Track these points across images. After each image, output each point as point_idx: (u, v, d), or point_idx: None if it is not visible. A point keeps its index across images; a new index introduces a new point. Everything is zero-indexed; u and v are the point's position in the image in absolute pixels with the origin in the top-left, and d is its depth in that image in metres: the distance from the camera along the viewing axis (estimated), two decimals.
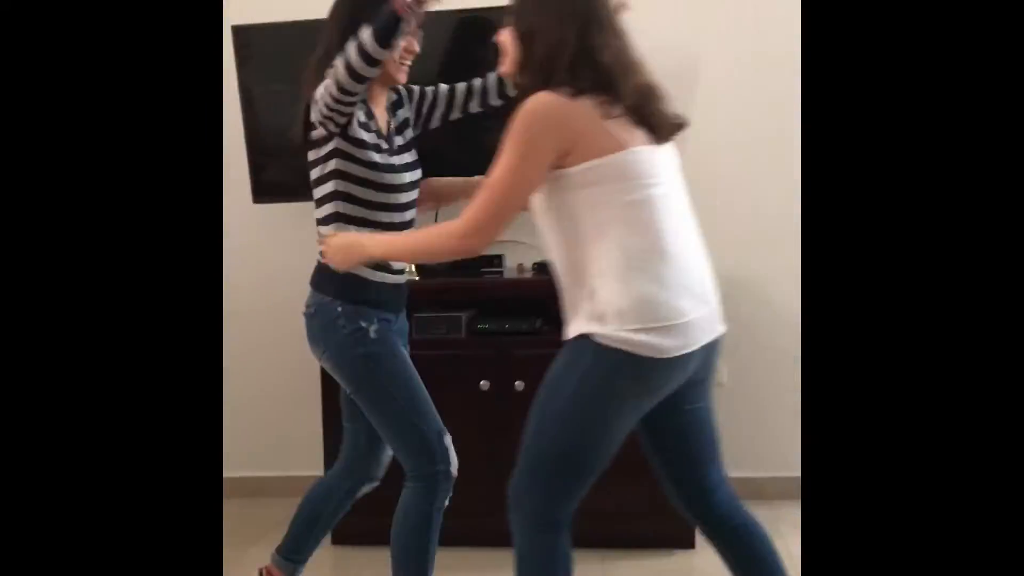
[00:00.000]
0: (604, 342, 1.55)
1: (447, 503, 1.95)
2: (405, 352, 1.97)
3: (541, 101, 1.55)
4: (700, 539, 2.59)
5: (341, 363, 1.90)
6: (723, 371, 2.95)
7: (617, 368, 1.56)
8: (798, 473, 2.92)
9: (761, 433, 2.96)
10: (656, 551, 2.53)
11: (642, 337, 1.54)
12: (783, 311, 2.91)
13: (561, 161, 1.56)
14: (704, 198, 2.91)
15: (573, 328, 1.62)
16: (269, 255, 3.08)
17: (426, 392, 1.93)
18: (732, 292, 2.91)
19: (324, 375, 2.66)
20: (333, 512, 2.18)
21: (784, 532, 2.69)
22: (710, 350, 1.67)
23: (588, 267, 1.59)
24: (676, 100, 2.84)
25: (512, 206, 1.58)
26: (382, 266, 1.89)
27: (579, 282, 1.61)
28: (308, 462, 3.01)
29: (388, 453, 2.07)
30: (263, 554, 2.65)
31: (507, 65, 1.69)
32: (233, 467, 3.17)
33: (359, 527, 2.64)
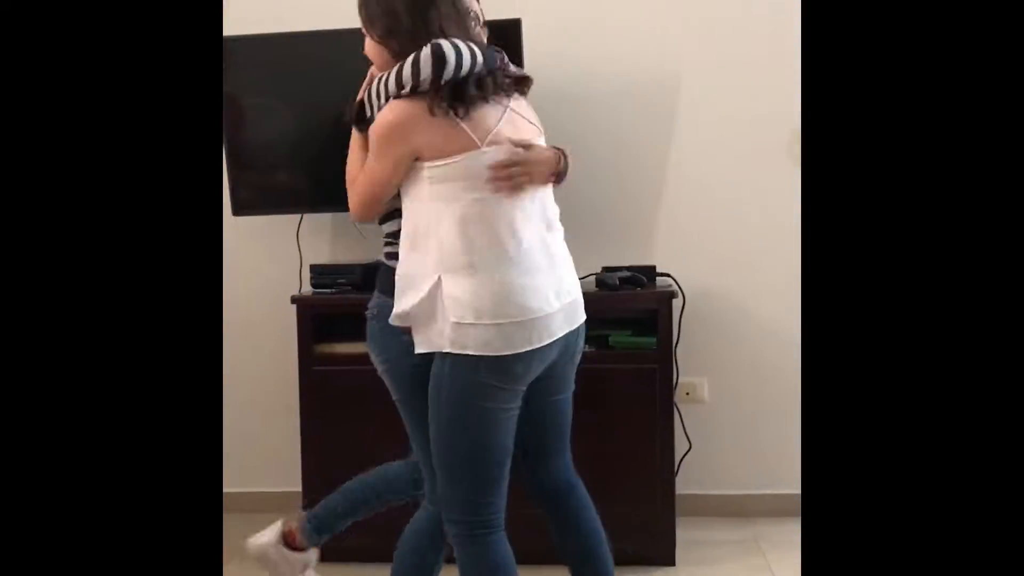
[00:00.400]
0: (456, 350, 1.66)
1: None
2: None
3: (394, 111, 1.68)
4: (680, 557, 2.58)
5: (394, 369, 1.85)
6: (704, 388, 2.95)
7: (475, 368, 1.66)
8: (778, 491, 2.93)
9: (742, 451, 2.96)
10: (636, 569, 2.52)
11: (491, 333, 1.64)
12: (765, 328, 2.92)
13: (419, 156, 1.69)
14: (685, 213, 2.95)
15: (417, 325, 1.71)
16: (247, 268, 3.05)
17: None
18: (714, 307, 2.93)
19: (302, 389, 2.64)
20: (383, 503, 2.15)
21: (765, 549, 2.69)
22: (570, 344, 1.79)
23: (433, 260, 1.68)
24: (657, 111, 2.89)
25: (379, 196, 1.76)
26: None
27: (424, 278, 1.69)
28: (285, 478, 2.98)
29: None
30: (242, 570, 2.62)
31: (377, 70, 1.83)
32: None
33: (343, 544, 2.61)
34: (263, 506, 3.09)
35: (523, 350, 1.67)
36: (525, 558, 2.46)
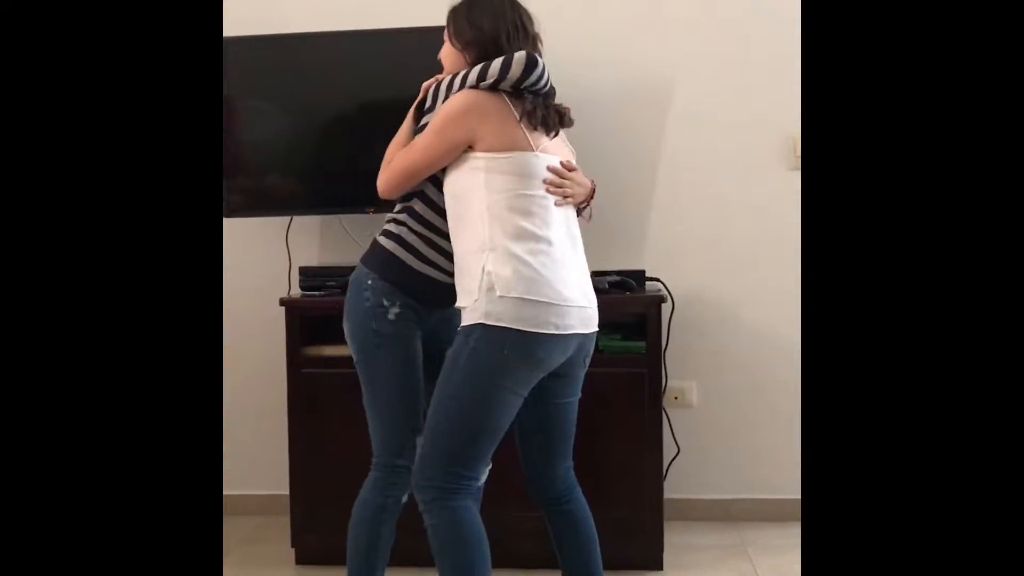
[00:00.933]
0: (490, 321, 1.76)
1: (405, 500, 2.00)
2: (420, 346, 2.01)
3: (470, 97, 1.84)
4: (668, 560, 2.58)
5: (354, 332, 1.98)
6: (693, 392, 2.96)
7: (502, 343, 1.76)
8: (766, 495, 2.94)
9: (730, 455, 2.96)
10: (623, 572, 2.52)
11: (526, 310, 1.75)
12: (755, 333, 2.92)
13: (473, 144, 1.83)
14: (676, 218, 2.96)
15: (463, 300, 1.84)
16: (236, 270, 3.04)
17: (420, 390, 1.99)
18: (704, 312, 2.94)
19: (290, 391, 2.63)
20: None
21: (752, 554, 2.69)
22: (585, 343, 1.90)
23: (480, 242, 1.80)
24: (649, 115, 2.90)
25: (419, 172, 1.90)
26: (429, 261, 1.96)
27: (472, 256, 1.82)
28: (273, 481, 2.97)
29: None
30: (230, 574, 2.61)
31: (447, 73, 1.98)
32: None
33: (323, 546, 2.61)
34: (251, 509, 3.09)
35: (549, 332, 1.77)
36: (526, 563, 2.48)
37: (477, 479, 1.85)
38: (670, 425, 2.86)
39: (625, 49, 2.91)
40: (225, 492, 3.06)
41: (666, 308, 2.70)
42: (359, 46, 2.71)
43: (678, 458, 2.90)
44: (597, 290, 2.56)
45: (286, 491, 2.65)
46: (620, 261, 2.85)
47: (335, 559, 2.53)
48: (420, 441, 1.95)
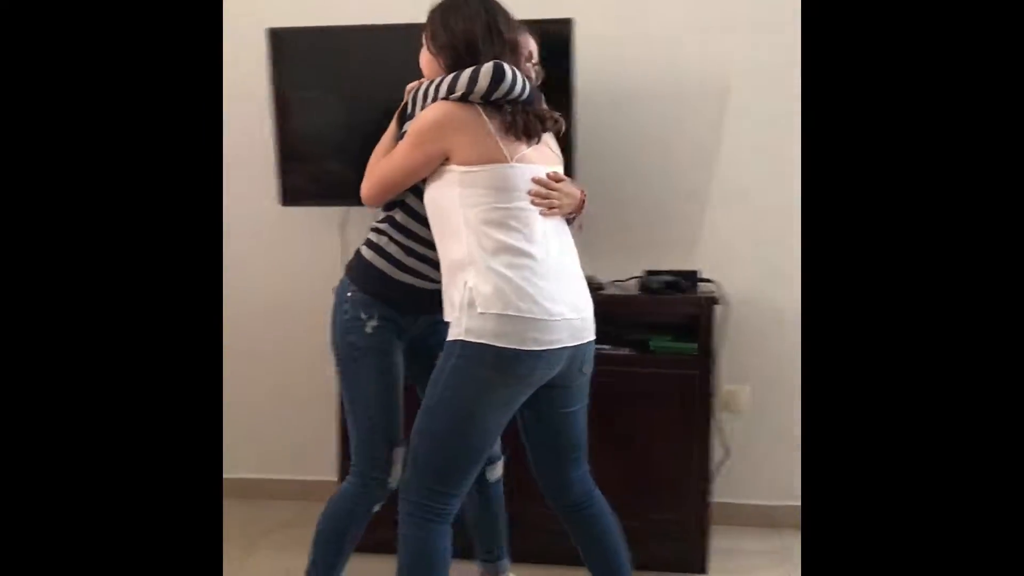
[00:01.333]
0: (470, 338, 1.73)
1: (377, 508, 2.04)
2: (400, 357, 2.03)
3: (440, 110, 1.80)
4: (712, 565, 2.56)
5: (335, 343, 2.02)
6: (744, 396, 2.93)
7: (482, 359, 1.72)
8: None
9: (779, 461, 2.92)
10: (667, 575, 2.50)
11: (506, 326, 1.71)
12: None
13: (449, 157, 1.80)
14: (731, 218, 2.92)
15: (448, 313, 1.81)
16: (291, 258, 3.09)
17: (398, 402, 2.01)
18: (758, 315, 2.90)
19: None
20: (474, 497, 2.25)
21: (798, 562, 2.65)
22: (579, 354, 1.84)
23: (461, 256, 1.78)
24: (705, 114, 2.87)
25: (397, 184, 1.89)
26: (409, 269, 1.96)
27: (454, 271, 1.80)
28: (320, 466, 3.01)
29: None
30: (269, 556, 2.66)
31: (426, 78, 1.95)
32: (244, 468, 3.17)
33: (365, 532, 2.62)
34: (295, 494, 3.13)
35: (530, 348, 1.72)
36: (553, 559, 2.48)
37: (460, 495, 1.83)
38: (720, 428, 2.83)
39: (681, 47, 2.88)
40: (273, 476, 3.12)
41: (720, 310, 2.67)
42: (413, 38, 2.72)
43: (727, 462, 2.87)
44: (650, 290, 2.57)
45: (335, 477, 2.69)
46: (674, 261, 2.82)
47: (377, 546, 2.56)
48: (398, 452, 1.99)
